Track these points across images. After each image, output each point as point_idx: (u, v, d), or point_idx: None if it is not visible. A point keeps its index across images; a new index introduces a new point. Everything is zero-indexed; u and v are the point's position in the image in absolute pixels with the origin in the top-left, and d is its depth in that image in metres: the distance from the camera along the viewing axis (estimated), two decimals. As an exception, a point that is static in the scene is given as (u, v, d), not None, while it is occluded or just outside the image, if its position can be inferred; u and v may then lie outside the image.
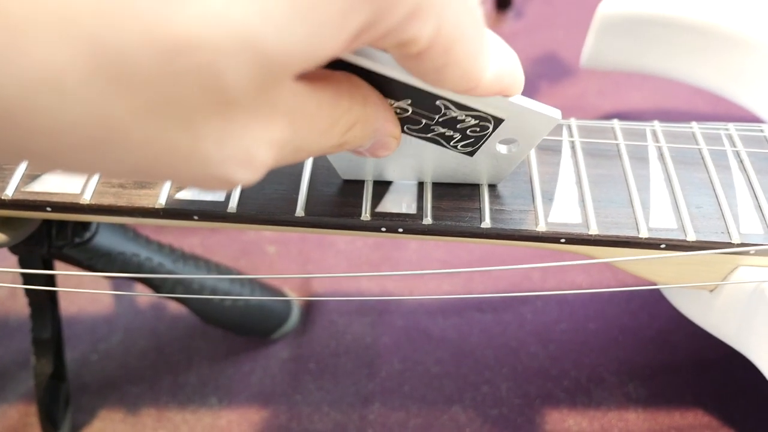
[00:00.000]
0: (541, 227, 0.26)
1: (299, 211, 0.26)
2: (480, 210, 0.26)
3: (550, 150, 0.29)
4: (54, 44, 0.10)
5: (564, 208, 0.27)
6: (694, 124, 0.31)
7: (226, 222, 0.27)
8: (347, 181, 0.27)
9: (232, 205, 0.26)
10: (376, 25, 0.13)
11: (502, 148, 0.24)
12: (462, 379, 0.39)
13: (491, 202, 0.27)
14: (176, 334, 0.43)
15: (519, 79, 0.19)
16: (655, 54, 0.41)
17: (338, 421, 0.38)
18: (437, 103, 0.20)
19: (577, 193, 0.27)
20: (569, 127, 0.30)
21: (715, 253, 0.26)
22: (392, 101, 0.20)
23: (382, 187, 0.27)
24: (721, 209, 0.27)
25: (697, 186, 0.28)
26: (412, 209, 0.26)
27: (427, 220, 0.26)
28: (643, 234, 0.26)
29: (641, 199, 0.27)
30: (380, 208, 0.26)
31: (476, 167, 0.26)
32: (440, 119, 0.21)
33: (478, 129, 0.22)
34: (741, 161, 0.29)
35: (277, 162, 0.15)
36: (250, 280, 0.42)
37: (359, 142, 0.19)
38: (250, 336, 0.42)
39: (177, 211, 0.27)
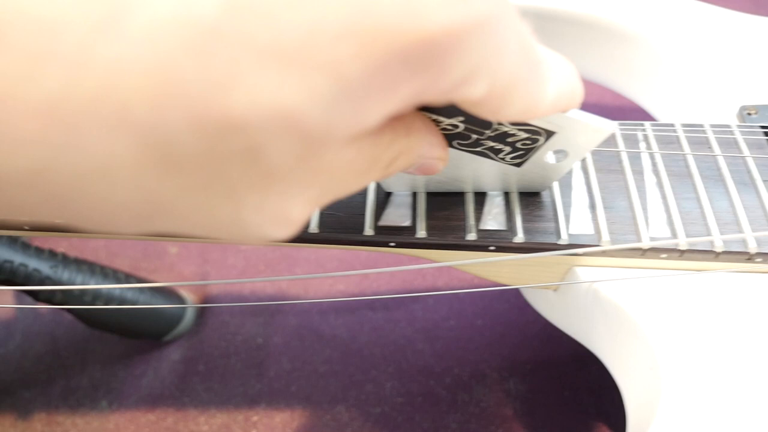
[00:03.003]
0: (368, 232, 0.26)
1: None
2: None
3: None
4: (107, 136, 0.11)
5: (395, 212, 0.27)
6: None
7: (58, 232, 0.27)
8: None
9: (60, 215, 0.26)
10: (426, 92, 0.13)
11: (551, 158, 0.23)
12: (348, 378, 0.39)
13: (324, 208, 0.27)
14: (74, 338, 0.43)
15: (578, 94, 0.18)
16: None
17: (223, 422, 0.38)
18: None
19: (410, 198, 0.27)
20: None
21: (540, 256, 0.26)
22: (444, 119, 0.19)
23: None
24: (555, 210, 0.27)
25: (534, 187, 0.28)
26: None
27: (255, 227, 0.26)
28: (471, 237, 0.26)
29: (476, 201, 0.27)
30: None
31: (522, 177, 0.25)
32: (491, 134, 0.21)
33: (529, 142, 0.21)
34: (584, 161, 0.29)
35: (316, 210, 0.15)
36: (144, 283, 0.41)
37: (402, 170, 0.18)
38: (141, 339, 0.42)
39: (5, 223, 0.26)
